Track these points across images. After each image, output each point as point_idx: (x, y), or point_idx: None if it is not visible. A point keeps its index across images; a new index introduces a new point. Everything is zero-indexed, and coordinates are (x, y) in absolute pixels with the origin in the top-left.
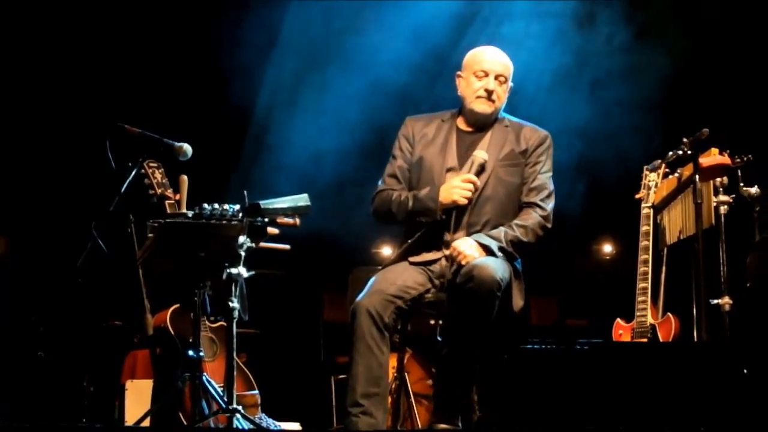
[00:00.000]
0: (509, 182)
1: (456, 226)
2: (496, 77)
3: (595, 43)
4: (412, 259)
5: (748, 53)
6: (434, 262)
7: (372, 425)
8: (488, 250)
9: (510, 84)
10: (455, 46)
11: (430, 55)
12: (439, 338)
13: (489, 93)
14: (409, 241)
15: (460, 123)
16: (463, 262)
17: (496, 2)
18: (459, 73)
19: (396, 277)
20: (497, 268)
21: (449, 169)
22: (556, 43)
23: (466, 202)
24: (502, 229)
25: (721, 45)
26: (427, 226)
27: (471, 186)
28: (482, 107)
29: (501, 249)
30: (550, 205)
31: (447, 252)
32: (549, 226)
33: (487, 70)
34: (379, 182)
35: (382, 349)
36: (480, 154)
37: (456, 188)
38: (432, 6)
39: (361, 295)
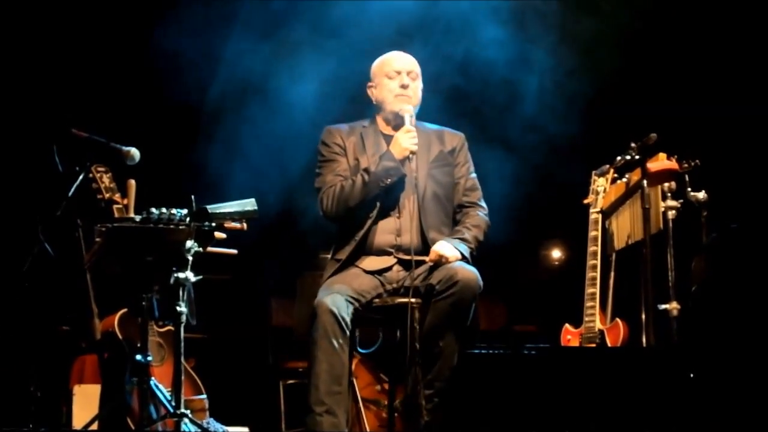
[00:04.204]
0: (445, 182)
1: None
2: (408, 73)
3: (544, 42)
4: (365, 267)
5: (695, 57)
6: (388, 269)
7: (335, 425)
8: (462, 255)
9: (421, 84)
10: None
11: None
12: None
13: (405, 87)
14: (369, 220)
15: (383, 128)
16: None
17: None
18: (370, 83)
19: (351, 280)
20: (475, 270)
21: None
22: (499, 46)
23: (417, 147)
24: (464, 231)
25: (667, 47)
26: (380, 214)
27: (414, 133)
28: (403, 104)
29: (471, 253)
30: (485, 203)
31: (430, 259)
32: (489, 223)
33: (398, 69)
34: (320, 187)
35: (344, 348)
36: (405, 107)
37: (403, 140)
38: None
39: (321, 296)
